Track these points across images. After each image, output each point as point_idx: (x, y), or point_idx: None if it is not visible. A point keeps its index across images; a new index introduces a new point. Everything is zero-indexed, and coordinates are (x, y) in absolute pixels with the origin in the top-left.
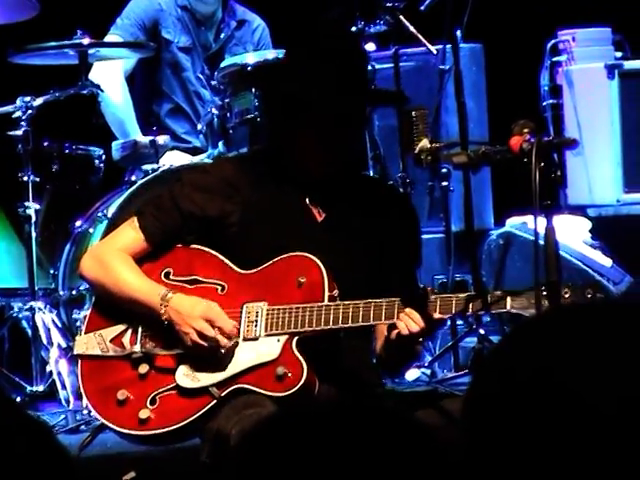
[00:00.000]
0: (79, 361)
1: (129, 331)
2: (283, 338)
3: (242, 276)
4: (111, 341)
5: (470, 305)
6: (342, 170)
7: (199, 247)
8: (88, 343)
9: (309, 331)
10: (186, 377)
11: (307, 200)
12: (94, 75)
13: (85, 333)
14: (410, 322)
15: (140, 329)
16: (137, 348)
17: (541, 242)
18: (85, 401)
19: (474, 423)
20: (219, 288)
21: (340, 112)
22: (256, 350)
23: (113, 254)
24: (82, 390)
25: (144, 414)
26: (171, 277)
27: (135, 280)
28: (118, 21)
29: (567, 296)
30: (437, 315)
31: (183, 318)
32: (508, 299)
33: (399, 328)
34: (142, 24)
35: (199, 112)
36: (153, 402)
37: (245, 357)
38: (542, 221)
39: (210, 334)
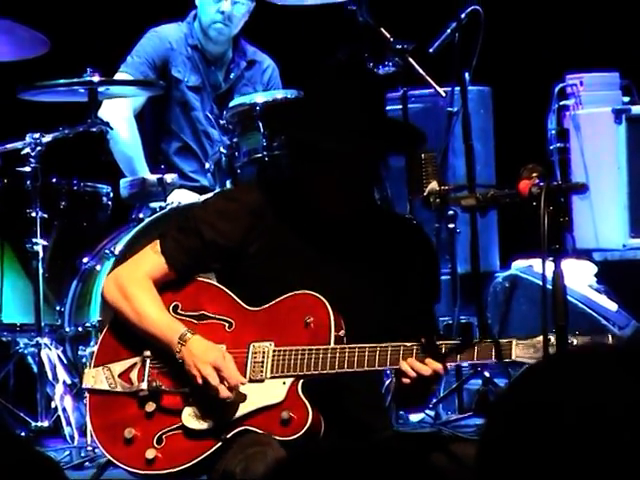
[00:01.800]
0: (87, 395)
1: (137, 366)
2: (289, 381)
3: (249, 313)
4: (119, 376)
5: (475, 353)
6: (360, 211)
7: (208, 281)
8: (97, 377)
9: (315, 374)
10: (192, 418)
11: (326, 239)
12: (103, 112)
13: (94, 366)
14: (415, 369)
15: (148, 365)
16: (144, 386)
17: (548, 286)
18: (92, 436)
19: (487, 466)
20: (226, 325)
21: (361, 160)
22: (262, 392)
23: (136, 282)
24: (89, 425)
25: (151, 454)
26: (179, 311)
27: (156, 314)
28: (128, 59)
29: (575, 342)
30: (438, 364)
31: (194, 360)
32: (514, 348)
33: (405, 373)
34: (152, 62)
35: (207, 151)
36: (159, 441)
37: (251, 399)
38: (550, 265)
39: (214, 382)
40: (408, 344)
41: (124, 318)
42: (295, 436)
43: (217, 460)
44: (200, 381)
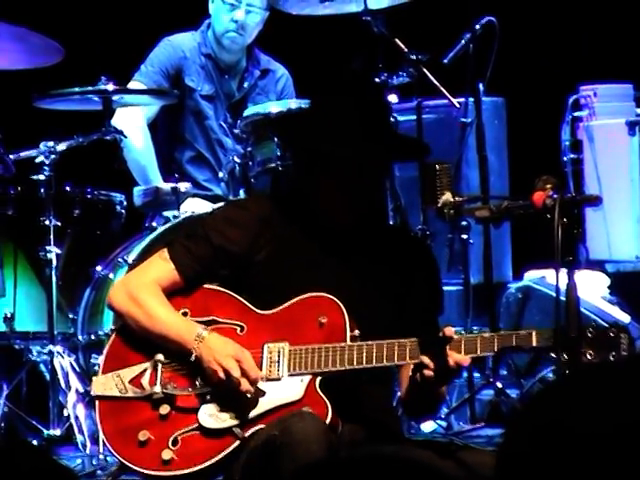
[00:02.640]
0: (97, 402)
1: (148, 372)
2: (307, 378)
3: (261, 316)
4: (130, 382)
5: (495, 343)
6: (364, 219)
7: (216, 287)
8: (106, 384)
9: (333, 371)
10: (209, 417)
11: (333, 246)
12: (117, 121)
13: (102, 374)
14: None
15: (160, 369)
16: (157, 389)
17: (562, 297)
18: (104, 442)
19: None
20: (238, 329)
21: (361, 165)
22: (280, 391)
23: (145, 287)
24: (101, 431)
25: (167, 455)
26: (188, 318)
27: (169, 316)
28: (142, 68)
29: (590, 336)
30: (462, 356)
31: (213, 355)
32: (534, 335)
33: (427, 366)
34: (166, 71)
35: (220, 160)
36: (175, 443)
37: (269, 398)
38: (563, 276)
39: (236, 375)
40: (421, 338)
41: (135, 323)
42: None
43: (233, 460)
44: (222, 374)
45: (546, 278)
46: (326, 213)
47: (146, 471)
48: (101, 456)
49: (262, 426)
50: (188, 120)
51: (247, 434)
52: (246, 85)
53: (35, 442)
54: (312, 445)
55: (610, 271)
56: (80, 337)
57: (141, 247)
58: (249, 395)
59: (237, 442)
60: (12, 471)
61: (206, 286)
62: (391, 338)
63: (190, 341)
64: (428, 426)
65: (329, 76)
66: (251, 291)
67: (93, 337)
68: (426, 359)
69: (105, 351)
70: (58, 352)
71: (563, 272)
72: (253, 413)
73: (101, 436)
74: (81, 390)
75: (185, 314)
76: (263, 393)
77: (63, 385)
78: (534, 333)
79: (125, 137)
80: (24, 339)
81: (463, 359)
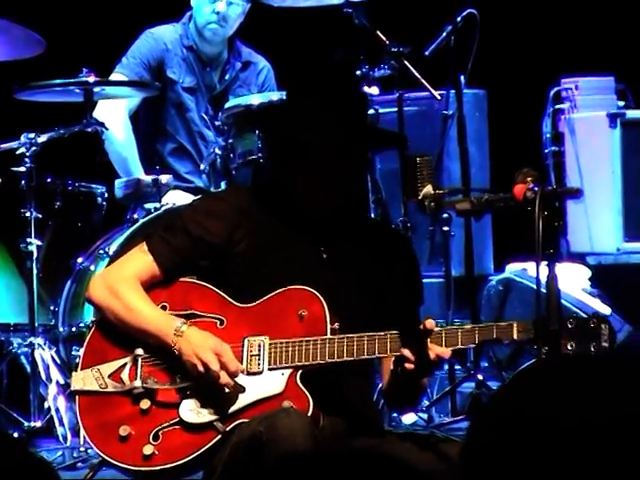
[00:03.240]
0: (76, 397)
1: (127, 366)
2: (287, 372)
3: (241, 310)
4: (109, 377)
5: (476, 335)
6: (343, 210)
7: (194, 281)
8: (85, 379)
9: (314, 365)
10: (190, 412)
11: (312, 237)
12: (98, 113)
13: (82, 369)
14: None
15: (140, 363)
16: (138, 383)
17: (542, 290)
18: (84, 437)
19: (472, 469)
20: (217, 322)
21: (340, 154)
22: (260, 384)
23: (124, 281)
24: (81, 426)
25: (148, 450)
26: (167, 311)
27: (148, 310)
28: (124, 60)
29: (570, 326)
30: (443, 348)
31: (193, 349)
32: (514, 327)
33: (408, 359)
34: (147, 63)
35: (202, 152)
36: (156, 438)
37: (249, 391)
38: (544, 269)
39: (215, 368)
40: (406, 332)
41: (114, 317)
42: None
43: (214, 454)
44: (201, 368)
45: (527, 270)
46: (304, 204)
47: (127, 466)
48: (82, 448)
49: (243, 420)
50: (169, 112)
51: (228, 428)
52: (227, 77)
53: (16, 434)
54: (298, 440)
55: (591, 263)
56: (61, 329)
57: (122, 239)
58: (229, 389)
59: (218, 436)
60: None
61: (184, 279)
62: (371, 330)
63: (169, 335)
64: (409, 418)
65: (308, 67)
66: (230, 284)
67: (74, 329)
68: (407, 352)
69: (84, 346)
70: (39, 344)
71: (544, 265)
72: (234, 407)
73: (81, 431)
74: (62, 382)
75: (164, 308)
76: (243, 387)
77: (44, 377)
78: (515, 325)
79: (106, 129)
80: (5, 331)
81: (444, 351)
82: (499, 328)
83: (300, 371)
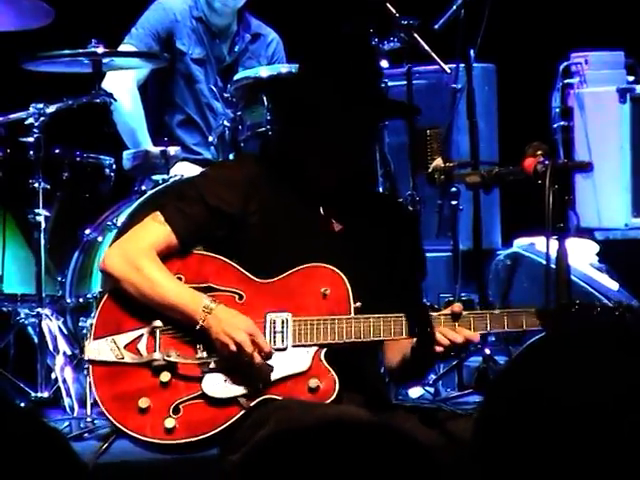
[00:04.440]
0: (90, 367)
1: (144, 337)
2: (312, 350)
3: (260, 285)
4: (125, 347)
5: (505, 322)
6: (352, 181)
7: (209, 253)
8: (100, 349)
9: (340, 343)
10: (215, 386)
11: (322, 209)
12: (107, 84)
13: (94, 339)
14: (449, 337)
15: (158, 335)
16: (158, 356)
17: (551, 265)
18: (100, 407)
19: (484, 443)
20: (236, 297)
21: (351, 120)
22: (285, 361)
23: (143, 253)
24: (96, 396)
25: (170, 423)
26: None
27: (172, 283)
28: (133, 30)
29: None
30: (471, 332)
31: (224, 328)
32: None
33: (439, 342)
34: (156, 34)
35: (210, 124)
36: (176, 411)
37: (275, 368)
38: (554, 244)
39: (249, 350)
40: (435, 314)
41: (135, 289)
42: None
43: (236, 429)
44: (233, 347)
45: (535, 245)
46: (313, 173)
47: (148, 439)
48: (89, 419)
49: (268, 396)
50: (178, 84)
51: (252, 404)
52: (237, 49)
53: (23, 404)
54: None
55: (599, 239)
56: (68, 300)
57: (130, 210)
58: (261, 366)
59: (242, 412)
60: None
61: (199, 251)
62: (380, 303)
63: (197, 312)
64: (416, 392)
65: (322, 38)
66: (243, 256)
67: (81, 300)
68: (438, 335)
69: (96, 316)
70: (46, 315)
71: (553, 239)
72: (260, 383)
73: (97, 401)
74: (69, 353)
75: (179, 279)
76: (272, 366)
77: (51, 348)
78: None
79: (115, 100)
80: (12, 301)
81: (473, 335)
82: (527, 314)
83: (325, 349)
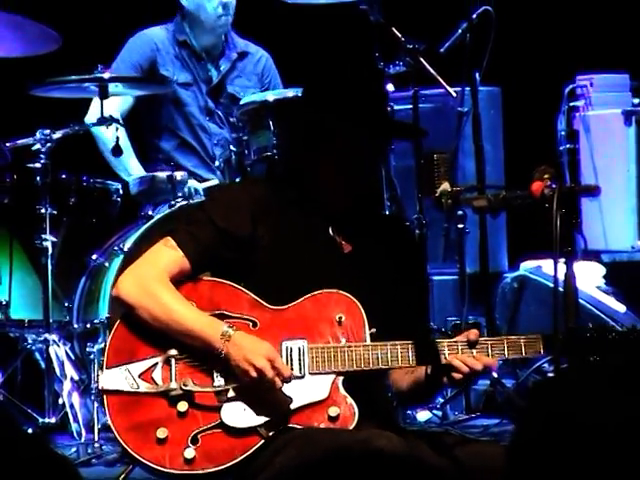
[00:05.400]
0: (105, 397)
1: (159, 365)
2: (330, 377)
3: (273, 312)
4: (140, 376)
5: (523, 347)
6: (359, 202)
7: (217, 279)
8: (114, 378)
9: (358, 371)
10: (234, 416)
11: (331, 231)
12: (89, 117)
13: (107, 368)
14: (468, 364)
15: (174, 364)
16: (174, 385)
17: (559, 288)
18: (117, 439)
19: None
20: (250, 324)
21: (362, 139)
22: (303, 389)
23: (157, 279)
24: (112, 427)
25: (189, 454)
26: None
27: (189, 312)
28: (113, 65)
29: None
30: (490, 359)
31: (244, 355)
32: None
33: (458, 369)
34: (138, 65)
35: (205, 145)
36: (195, 441)
37: (294, 396)
38: (561, 267)
39: (270, 375)
40: (448, 340)
41: (150, 316)
42: None
43: (255, 459)
44: (254, 374)
45: (542, 268)
46: (322, 195)
47: (168, 470)
48: (96, 444)
49: (288, 426)
50: (168, 109)
51: (271, 433)
52: (222, 68)
53: (30, 430)
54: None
55: (606, 261)
56: (75, 325)
57: (136, 235)
58: (281, 395)
59: (262, 441)
60: (10, 459)
61: (209, 278)
62: (388, 326)
63: (216, 339)
64: (423, 415)
65: (329, 60)
66: (252, 280)
67: (88, 325)
68: (457, 362)
69: (108, 344)
70: (53, 340)
71: (561, 262)
72: (279, 412)
73: (114, 432)
74: (76, 378)
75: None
76: (291, 395)
77: (58, 373)
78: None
79: (122, 125)
80: (19, 327)
81: (492, 362)
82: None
83: (342, 377)
